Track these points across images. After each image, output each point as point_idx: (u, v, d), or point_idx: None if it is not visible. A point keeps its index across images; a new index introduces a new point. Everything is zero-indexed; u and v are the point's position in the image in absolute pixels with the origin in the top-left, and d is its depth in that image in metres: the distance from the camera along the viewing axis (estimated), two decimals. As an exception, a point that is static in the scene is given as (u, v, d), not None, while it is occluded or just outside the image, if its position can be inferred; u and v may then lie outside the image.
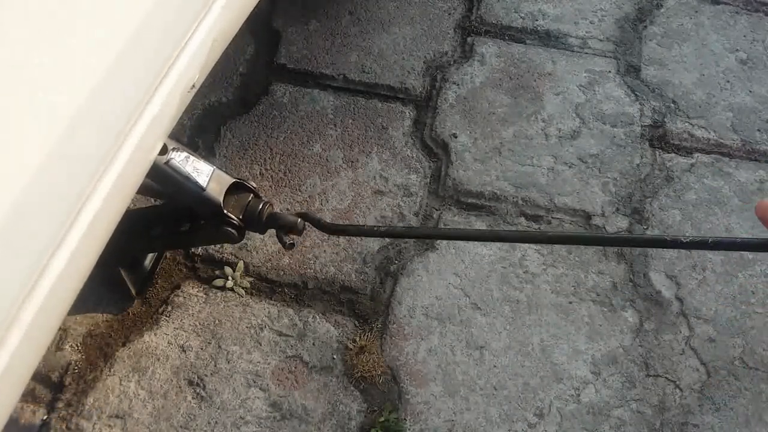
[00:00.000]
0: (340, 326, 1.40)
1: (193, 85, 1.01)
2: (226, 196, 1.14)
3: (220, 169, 1.17)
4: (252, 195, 1.19)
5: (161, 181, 1.12)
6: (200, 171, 1.13)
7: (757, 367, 1.36)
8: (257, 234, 1.51)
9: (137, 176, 0.95)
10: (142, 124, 0.87)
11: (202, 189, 1.12)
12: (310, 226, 1.19)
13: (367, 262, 1.48)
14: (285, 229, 1.17)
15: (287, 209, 1.55)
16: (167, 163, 1.09)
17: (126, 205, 0.94)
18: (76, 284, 0.84)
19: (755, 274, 1.47)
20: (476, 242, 1.50)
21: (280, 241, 1.18)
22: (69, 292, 0.82)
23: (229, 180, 1.16)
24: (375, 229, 1.24)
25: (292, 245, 1.19)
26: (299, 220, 1.16)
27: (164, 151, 1.09)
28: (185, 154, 1.12)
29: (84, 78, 0.76)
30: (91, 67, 0.77)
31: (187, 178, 1.11)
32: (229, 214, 1.14)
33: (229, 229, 1.16)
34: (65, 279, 0.77)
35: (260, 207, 1.17)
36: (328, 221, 1.18)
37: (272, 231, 1.19)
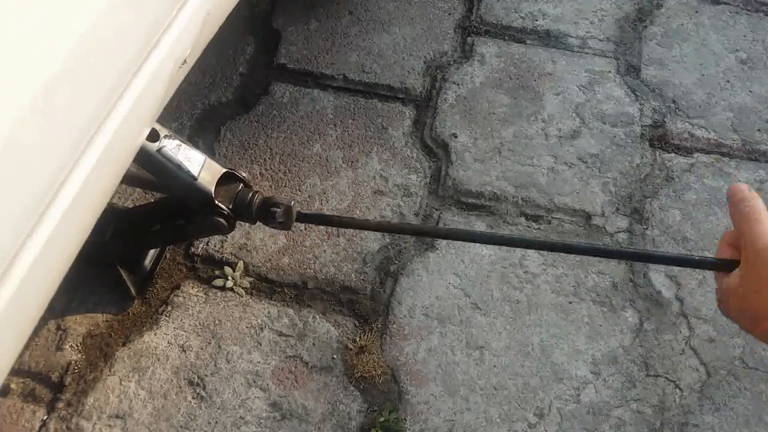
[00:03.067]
0: (340, 326, 1.40)
1: (185, 61, 0.95)
2: (216, 186, 1.13)
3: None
4: (242, 184, 1.18)
5: (152, 169, 1.10)
6: (192, 160, 1.11)
7: (757, 367, 1.36)
8: (257, 234, 1.51)
9: (122, 161, 0.88)
10: (126, 101, 0.79)
11: (194, 178, 1.10)
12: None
13: (367, 262, 1.48)
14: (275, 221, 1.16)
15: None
16: (159, 150, 1.07)
17: (110, 193, 0.88)
18: (54, 275, 0.77)
19: (755, 274, 1.47)
20: (475, 242, 1.50)
21: (273, 226, 1.16)
22: (44, 285, 0.76)
23: (221, 170, 1.15)
24: (338, 219, 1.21)
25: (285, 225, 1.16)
26: (293, 202, 1.14)
27: (156, 137, 1.07)
28: (177, 141, 1.10)
29: (57, 43, 0.67)
30: (66, 32, 0.67)
31: (179, 167, 1.09)
32: (220, 204, 1.13)
33: (219, 219, 1.14)
34: (39, 270, 0.70)
35: (250, 196, 1.16)
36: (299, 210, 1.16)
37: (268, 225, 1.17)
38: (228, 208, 1.14)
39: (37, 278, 0.72)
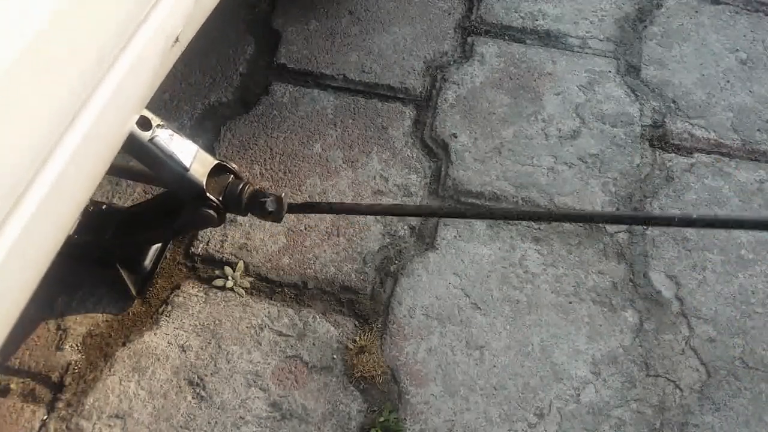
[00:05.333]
0: (340, 326, 1.40)
1: (177, 39, 0.88)
2: (207, 178, 1.12)
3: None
4: (232, 176, 1.17)
5: (143, 159, 1.08)
6: (184, 150, 1.09)
7: (757, 367, 1.36)
8: (257, 234, 1.51)
9: (107, 148, 0.81)
10: (111, 82, 0.71)
11: (186, 169, 1.09)
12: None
13: (367, 262, 1.48)
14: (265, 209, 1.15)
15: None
16: (151, 140, 1.05)
17: (95, 183, 0.82)
18: (30, 272, 0.71)
19: (755, 274, 1.47)
20: (476, 242, 1.50)
21: (264, 218, 1.16)
22: (19, 282, 0.69)
23: (212, 161, 1.14)
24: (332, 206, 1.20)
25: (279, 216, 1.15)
26: (282, 195, 1.14)
27: (148, 126, 1.05)
28: (170, 131, 1.08)
29: (30, 15, 0.59)
30: (41, 2, 0.60)
31: (171, 157, 1.07)
32: (210, 195, 1.12)
33: (209, 211, 1.13)
34: (11, 267, 0.64)
35: (240, 188, 1.15)
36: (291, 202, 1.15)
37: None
38: (218, 199, 1.14)
39: (10, 275, 0.66)
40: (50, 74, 0.64)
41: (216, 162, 1.14)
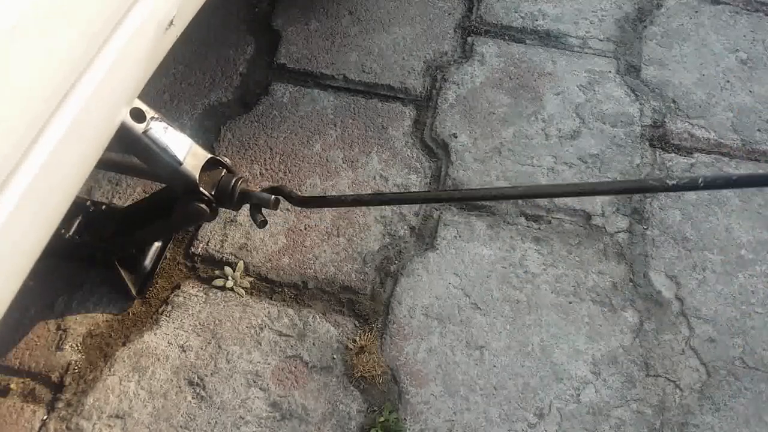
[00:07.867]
0: (340, 326, 1.40)
1: (172, 23, 0.83)
2: (200, 172, 1.12)
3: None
4: (225, 170, 1.17)
5: (137, 152, 1.07)
6: (178, 144, 1.09)
7: (757, 367, 1.36)
8: (257, 234, 1.51)
9: (96, 140, 0.76)
10: (99, 68, 0.66)
11: (180, 163, 1.09)
12: (282, 199, 1.16)
13: (367, 262, 1.48)
14: (259, 206, 1.15)
15: (286, 209, 1.54)
16: (145, 133, 1.04)
17: (83, 178, 0.77)
18: (10, 274, 0.66)
19: (755, 274, 1.47)
20: (476, 242, 1.50)
21: (253, 218, 1.16)
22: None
23: (206, 155, 1.14)
24: (343, 198, 1.19)
25: (264, 222, 1.15)
26: (273, 197, 1.13)
27: (142, 118, 1.04)
28: (164, 124, 1.07)
29: None
30: None
31: (165, 150, 1.07)
32: (202, 189, 1.12)
33: (201, 205, 1.13)
34: None
35: (233, 183, 1.15)
36: (299, 194, 1.15)
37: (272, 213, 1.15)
38: (210, 194, 1.13)
39: None
40: (32, 58, 0.59)
41: (209, 156, 1.14)
